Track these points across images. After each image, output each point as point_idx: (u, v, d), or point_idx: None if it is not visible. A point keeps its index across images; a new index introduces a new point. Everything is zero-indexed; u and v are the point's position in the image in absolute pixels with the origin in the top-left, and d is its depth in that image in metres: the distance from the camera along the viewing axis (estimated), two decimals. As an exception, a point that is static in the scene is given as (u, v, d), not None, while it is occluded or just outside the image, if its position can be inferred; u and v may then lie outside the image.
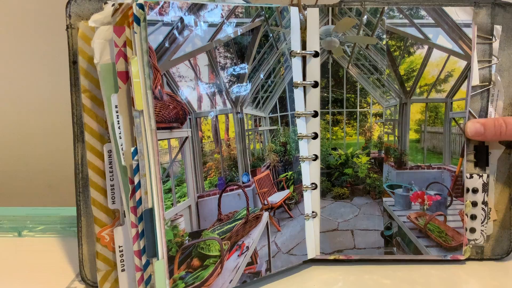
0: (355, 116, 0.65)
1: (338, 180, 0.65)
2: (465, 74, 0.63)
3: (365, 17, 0.63)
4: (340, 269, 0.64)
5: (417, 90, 0.64)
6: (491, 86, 0.64)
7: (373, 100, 0.64)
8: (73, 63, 0.56)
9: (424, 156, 0.65)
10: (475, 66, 0.63)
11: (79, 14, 0.57)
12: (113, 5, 0.52)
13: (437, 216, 0.64)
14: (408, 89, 0.64)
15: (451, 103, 0.64)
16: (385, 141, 0.65)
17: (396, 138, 0.65)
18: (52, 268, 0.64)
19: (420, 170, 0.65)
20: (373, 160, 0.65)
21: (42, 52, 0.91)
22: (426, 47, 0.63)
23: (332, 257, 0.64)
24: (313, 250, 0.64)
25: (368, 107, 0.65)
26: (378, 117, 0.65)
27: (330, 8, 0.62)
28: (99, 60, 0.52)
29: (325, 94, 0.64)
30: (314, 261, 0.65)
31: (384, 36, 0.63)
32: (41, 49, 0.91)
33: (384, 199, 0.64)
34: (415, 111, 0.64)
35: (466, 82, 0.63)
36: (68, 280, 0.60)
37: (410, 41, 0.63)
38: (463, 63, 0.63)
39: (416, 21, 0.63)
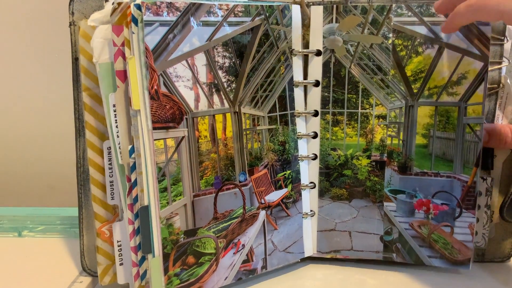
0: (356, 117, 0.64)
1: (336, 180, 0.64)
2: (482, 76, 0.58)
3: (371, 15, 0.61)
4: (336, 267, 0.64)
5: (425, 93, 0.61)
6: (500, 88, 0.62)
7: (376, 101, 0.63)
8: (75, 59, 0.57)
9: (432, 163, 0.62)
10: None
11: (82, 11, 0.57)
12: (112, 3, 0.52)
13: (443, 227, 0.61)
14: (415, 91, 0.61)
15: (465, 107, 0.60)
16: (388, 144, 0.63)
17: (400, 141, 0.62)
18: (52, 268, 0.63)
19: (426, 177, 0.62)
20: (374, 163, 0.63)
21: (43, 53, 0.91)
22: (436, 46, 0.59)
23: (329, 256, 0.64)
24: (310, 248, 0.64)
25: (371, 108, 0.63)
26: (381, 119, 0.63)
27: (335, 6, 0.61)
28: (98, 59, 0.52)
29: (326, 94, 0.63)
30: (312, 259, 0.65)
31: (390, 35, 0.60)
32: (42, 50, 0.91)
33: (385, 203, 0.63)
34: (423, 114, 0.61)
35: (482, 85, 0.58)
36: (68, 281, 0.60)
37: (418, 40, 0.60)
38: (479, 65, 0.58)
39: (426, 19, 0.59)
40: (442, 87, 0.60)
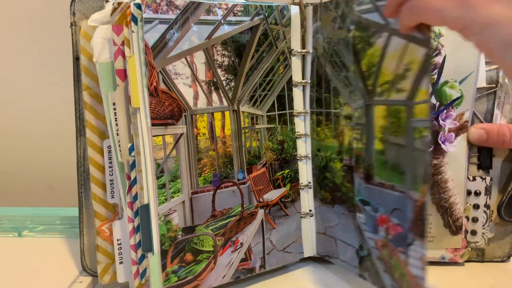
0: (330, 117, 0.59)
1: (322, 183, 0.62)
2: (425, 67, 0.44)
3: (341, 8, 0.55)
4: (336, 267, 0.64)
5: (378, 89, 0.50)
6: (498, 88, 0.63)
7: (344, 100, 0.57)
8: (76, 59, 0.58)
9: (387, 173, 0.50)
10: (482, 67, 0.62)
11: (83, 12, 0.58)
12: (113, 3, 0.53)
13: (399, 252, 0.49)
14: (370, 87, 0.52)
15: (413, 107, 0.47)
16: (354, 148, 0.55)
17: (363, 145, 0.54)
18: (52, 268, 0.63)
19: (384, 189, 0.51)
20: (346, 168, 0.57)
21: (43, 53, 0.92)
22: (385, 35, 0.49)
23: (326, 258, 0.64)
24: (310, 248, 0.64)
25: (341, 108, 0.57)
26: (348, 120, 0.56)
27: (319, 5, 0.60)
28: (98, 59, 0.53)
29: (311, 94, 0.62)
30: (312, 259, 0.65)
31: (352, 27, 0.53)
32: (42, 50, 0.92)
33: (357, 214, 0.55)
34: (379, 115, 0.51)
35: (426, 78, 0.45)
36: (68, 281, 0.60)
37: (372, 29, 0.50)
38: (422, 52, 0.44)
39: (380, 3, 0.49)
40: (390, 83, 0.49)
